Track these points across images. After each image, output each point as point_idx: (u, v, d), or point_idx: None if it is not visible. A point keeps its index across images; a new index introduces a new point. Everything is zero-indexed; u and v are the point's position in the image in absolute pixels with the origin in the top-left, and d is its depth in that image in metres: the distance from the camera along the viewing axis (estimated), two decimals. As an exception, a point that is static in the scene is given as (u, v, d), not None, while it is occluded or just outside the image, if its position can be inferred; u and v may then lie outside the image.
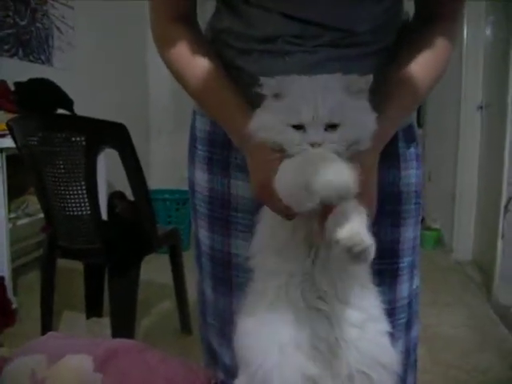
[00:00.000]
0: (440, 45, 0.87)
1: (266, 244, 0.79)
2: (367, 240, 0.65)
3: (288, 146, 0.70)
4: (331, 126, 0.68)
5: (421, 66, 0.85)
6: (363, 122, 0.72)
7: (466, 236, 3.87)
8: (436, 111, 4.53)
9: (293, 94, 0.71)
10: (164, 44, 0.90)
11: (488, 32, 3.59)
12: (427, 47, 0.86)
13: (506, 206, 2.85)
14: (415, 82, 0.84)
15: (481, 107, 3.69)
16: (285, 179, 0.69)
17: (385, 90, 0.83)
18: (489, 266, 3.21)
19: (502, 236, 2.86)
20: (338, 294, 0.74)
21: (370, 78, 0.71)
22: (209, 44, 0.92)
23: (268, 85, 0.72)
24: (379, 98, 0.80)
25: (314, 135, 0.68)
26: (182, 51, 0.87)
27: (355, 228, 0.65)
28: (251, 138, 0.75)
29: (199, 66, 0.86)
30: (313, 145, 0.67)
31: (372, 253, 0.66)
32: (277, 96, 0.72)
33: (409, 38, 0.90)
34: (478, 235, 3.76)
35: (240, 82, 0.86)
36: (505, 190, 2.86)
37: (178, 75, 0.89)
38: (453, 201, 3.93)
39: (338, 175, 0.64)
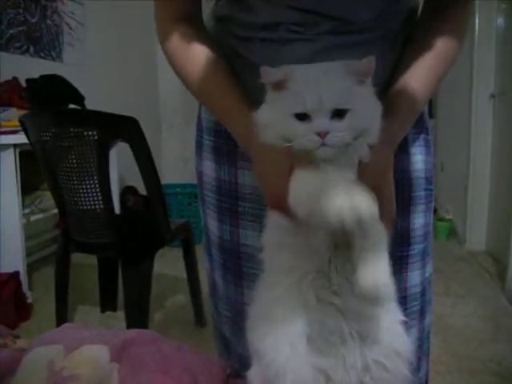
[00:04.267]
0: (449, 36, 0.84)
1: (278, 239, 0.75)
2: (386, 290, 0.67)
3: (294, 137, 0.66)
4: (337, 115, 0.65)
5: (431, 59, 0.83)
6: (370, 108, 0.69)
7: (479, 226, 3.85)
8: (447, 101, 4.50)
9: (295, 82, 0.67)
10: (167, 43, 0.89)
11: (500, 20, 3.55)
12: (436, 40, 0.84)
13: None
14: (425, 80, 0.82)
15: (493, 96, 3.65)
16: (299, 199, 0.67)
17: (393, 89, 0.81)
18: (502, 256, 3.19)
19: (516, 226, 2.84)
20: (352, 289, 0.70)
21: (373, 59, 0.67)
22: (212, 40, 0.90)
23: (268, 74, 0.68)
24: (388, 97, 0.78)
25: (320, 124, 0.65)
26: (183, 50, 0.86)
27: (377, 278, 0.66)
28: (256, 140, 0.72)
29: (199, 65, 0.84)
30: (319, 134, 0.64)
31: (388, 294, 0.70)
32: (278, 86, 0.68)
33: (417, 30, 0.88)
34: (491, 225, 3.74)
35: (245, 72, 0.86)
36: (518, 180, 2.85)
37: (180, 74, 0.88)
38: (465, 191, 3.90)
39: (356, 202, 0.61)
